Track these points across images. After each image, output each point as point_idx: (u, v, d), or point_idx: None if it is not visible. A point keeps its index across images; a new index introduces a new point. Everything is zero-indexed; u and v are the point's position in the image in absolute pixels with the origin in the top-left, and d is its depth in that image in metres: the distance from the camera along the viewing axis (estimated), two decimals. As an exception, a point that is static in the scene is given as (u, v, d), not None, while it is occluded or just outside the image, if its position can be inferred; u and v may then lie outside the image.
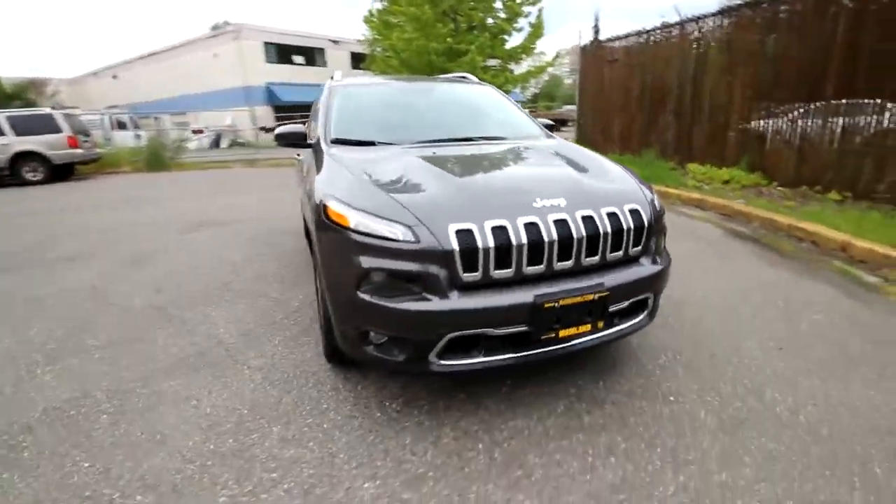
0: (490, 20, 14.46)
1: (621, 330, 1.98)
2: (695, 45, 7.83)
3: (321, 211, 1.93)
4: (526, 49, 14.74)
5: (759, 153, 6.90)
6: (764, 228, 4.78)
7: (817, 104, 6.16)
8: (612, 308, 1.86)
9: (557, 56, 16.20)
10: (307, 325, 2.90)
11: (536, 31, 14.39)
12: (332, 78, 3.41)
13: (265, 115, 24.80)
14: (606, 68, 9.69)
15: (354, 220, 1.76)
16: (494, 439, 1.84)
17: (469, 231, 1.66)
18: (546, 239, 1.71)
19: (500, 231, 1.68)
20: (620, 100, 9.42)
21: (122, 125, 18.31)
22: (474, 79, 3.68)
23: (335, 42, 28.15)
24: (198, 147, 19.90)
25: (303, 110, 24.14)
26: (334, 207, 1.86)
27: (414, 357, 1.75)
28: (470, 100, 3.33)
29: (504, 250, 1.68)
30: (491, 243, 1.66)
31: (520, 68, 15.34)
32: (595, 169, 2.25)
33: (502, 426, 1.91)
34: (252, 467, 1.73)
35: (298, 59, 26.57)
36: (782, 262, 3.84)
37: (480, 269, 1.67)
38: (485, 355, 1.78)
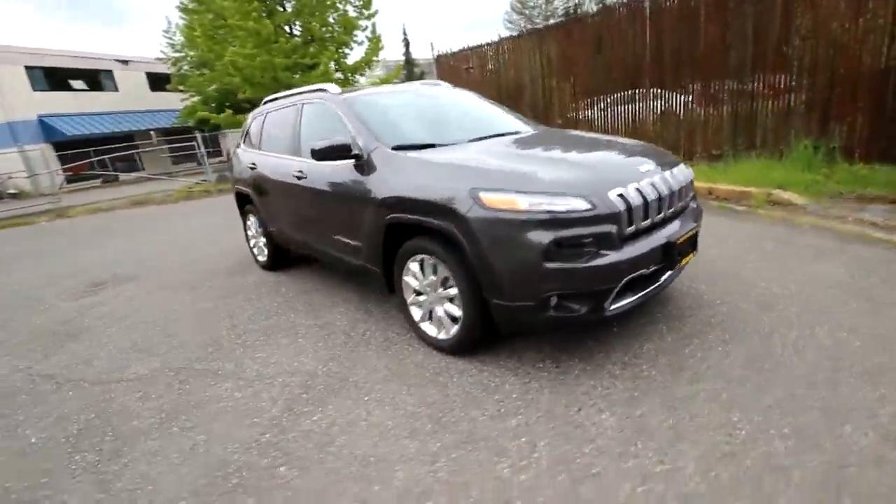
0: (328, 34, 14.42)
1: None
2: (537, 52, 9.35)
3: (473, 203, 2.09)
4: (368, 62, 15.11)
5: (604, 133, 8.67)
6: (646, 188, 6.17)
7: (638, 91, 8.08)
8: (693, 239, 2.48)
9: (400, 68, 16.97)
10: (382, 336, 2.88)
11: (375, 44, 14.88)
12: (326, 91, 3.32)
13: (44, 155, 19.86)
14: (464, 75, 10.75)
15: (526, 202, 2.00)
16: (648, 359, 2.29)
17: (622, 194, 2.07)
18: (664, 193, 2.23)
19: (638, 191, 2.13)
20: (481, 102, 10.57)
21: None
22: (449, 84, 3.98)
23: (124, 62, 24.03)
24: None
25: (94, 144, 20.34)
26: (494, 196, 2.06)
27: (594, 307, 2.08)
28: (468, 102, 3.65)
29: (644, 205, 2.14)
30: (639, 201, 2.10)
31: (365, 81, 15.64)
32: (628, 141, 2.87)
33: (639, 351, 2.37)
34: (499, 444, 1.85)
35: (79, 84, 21.89)
36: (679, 207, 5.12)
37: (635, 222, 2.10)
38: (634, 293, 2.21)
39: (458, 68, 10.89)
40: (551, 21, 34.39)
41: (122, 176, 19.25)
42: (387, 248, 2.67)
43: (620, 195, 2.07)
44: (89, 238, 7.72)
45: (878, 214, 3.98)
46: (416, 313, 2.67)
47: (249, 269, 4.65)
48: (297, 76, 13.61)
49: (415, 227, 2.48)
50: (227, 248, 5.67)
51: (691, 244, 2.38)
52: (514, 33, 9.55)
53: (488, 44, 10.00)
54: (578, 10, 33.93)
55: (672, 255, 2.22)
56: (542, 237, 1.98)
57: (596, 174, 2.19)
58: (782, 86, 6.27)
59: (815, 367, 2.10)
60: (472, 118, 3.37)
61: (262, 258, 4.54)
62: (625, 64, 8.04)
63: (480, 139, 2.90)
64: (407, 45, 38.85)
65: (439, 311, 2.50)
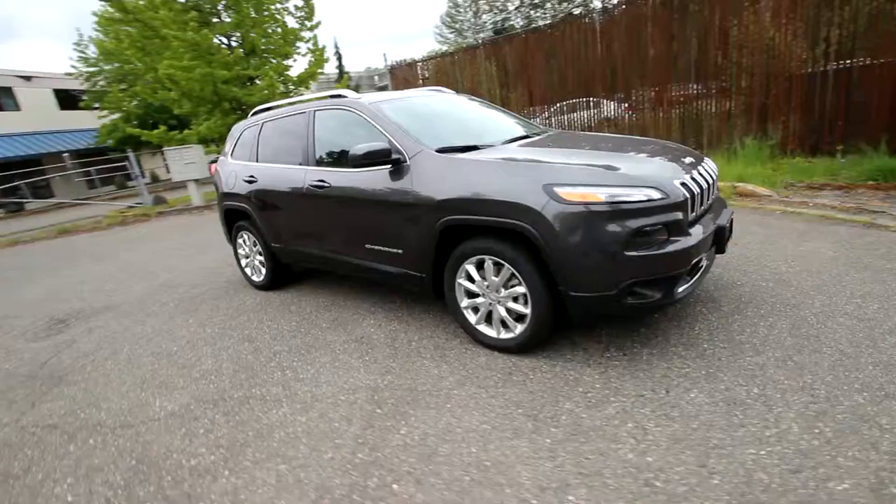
0: (269, 46, 13.92)
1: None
2: (493, 62, 9.66)
3: (549, 198, 2.13)
4: (313, 75, 14.75)
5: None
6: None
7: (592, 99, 8.61)
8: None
9: (347, 79, 16.70)
10: (431, 344, 2.83)
11: (320, 56, 14.56)
12: (345, 97, 3.22)
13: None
14: (418, 84, 10.83)
15: (605, 194, 2.08)
16: (704, 338, 2.44)
17: (685, 183, 2.21)
18: (709, 182, 2.41)
19: (693, 181, 2.29)
20: (439, 112, 10.69)
21: None
22: (452, 91, 4.00)
23: (27, 78, 21.57)
24: None
25: (-4, 169, 17.90)
26: (572, 190, 2.11)
27: (667, 292, 2.19)
28: (480, 107, 3.68)
29: (700, 194, 2.29)
30: (697, 190, 2.26)
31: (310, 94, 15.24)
32: (654, 139, 3.06)
33: (692, 332, 2.53)
34: (609, 432, 1.88)
35: (-29, 102, 19.33)
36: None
37: (695, 210, 2.25)
38: (692, 277, 2.35)
39: (411, 80, 10.96)
40: (481, 35, 35.56)
41: (32, 204, 17.18)
42: (437, 253, 2.63)
43: (683, 184, 2.21)
44: (22, 274, 6.81)
45: (832, 199, 4.53)
46: (472, 316, 2.65)
47: (242, 290, 4.35)
48: (238, 89, 12.99)
49: (471, 228, 2.47)
50: (194, 270, 5.26)
51: (731, 229, 2.58)
52: (473, 44, 9.76)
53: (443, 54, 10.19)
54: (505, 25, 35.50)
55: (723, 238, 2.40)
56: (622, 227, 2.06)
57: (657, 167, 2.33)
58: (724, 90, 6.97)
59: (850, 329, 2.35)
60: (492, 122, 3.43)
61: (257, 278, 4.27)
62: (578, 73, 8.53)
63: (513, 140, 2.96)
64: (339, 57, 38.51)
65: (501, 310, 2.50)
